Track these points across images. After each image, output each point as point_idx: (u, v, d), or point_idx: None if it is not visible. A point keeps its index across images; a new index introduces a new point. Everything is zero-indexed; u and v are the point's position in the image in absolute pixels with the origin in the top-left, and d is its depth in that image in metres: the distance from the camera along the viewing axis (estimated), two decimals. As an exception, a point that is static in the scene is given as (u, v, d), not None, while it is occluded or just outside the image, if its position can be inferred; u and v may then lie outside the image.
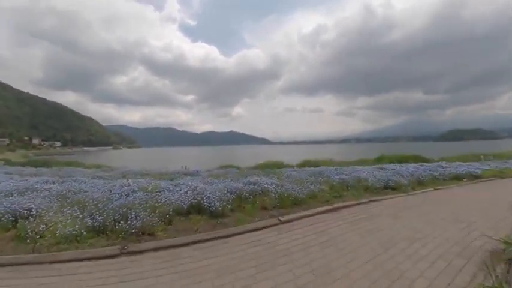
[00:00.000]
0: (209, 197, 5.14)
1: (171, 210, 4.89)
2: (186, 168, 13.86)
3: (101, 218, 4.31)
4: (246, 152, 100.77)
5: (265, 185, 6.09)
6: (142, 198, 5.19)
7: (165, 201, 5.20)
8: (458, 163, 13.07)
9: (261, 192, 5.91)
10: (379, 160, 21.31)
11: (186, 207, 5.10)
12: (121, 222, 4.26)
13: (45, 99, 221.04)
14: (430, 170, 10.27)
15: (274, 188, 6.06)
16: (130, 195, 5.65)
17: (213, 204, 4.96)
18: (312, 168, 11.43)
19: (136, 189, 6.14)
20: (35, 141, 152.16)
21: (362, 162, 21.04)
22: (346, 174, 8.89)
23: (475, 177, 10.07)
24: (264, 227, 4.36)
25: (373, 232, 4.34)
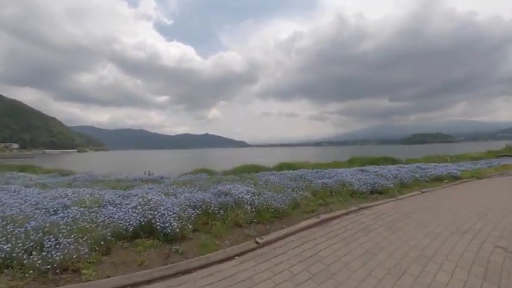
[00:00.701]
0: (164, 214, 3.92)
1: (108, 233, 3.60)
2: (149, 173, 12.27)
3: (7, 246, 2.98)
4: (222, 155, 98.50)
5: (240, 195, 4.97)
6: (71, 217, 3.84)
7: (105, 220, 3.90)
8: (434, 164, 13.02)
9: (234, 204, 4.79)
10: (352, 162, 21.92)
11: (133, 228, 3.84)
12: (34, 252, 2.98)
13: (1, 96, 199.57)
14: (411, 172, 9.89)
15: (250, 197, 4.97)
16: (60, 211, 4.26)
17: (168, 225, 3.75)
18: (292, 171, 10.55)
19: (70, 203, 4.72)
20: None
21: (336, 164, 21.55)
22: (328, 178, 8.09)
23: (455, 178, 9.87)
24: (237, 255, 3.25)
25: (373, 253, 3.43)
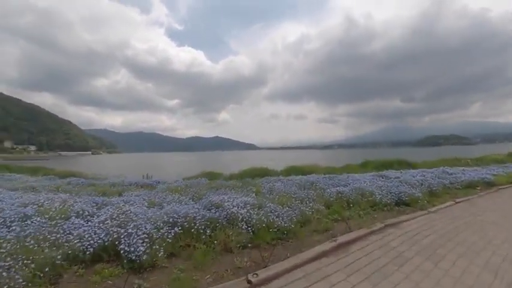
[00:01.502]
0: (131, 233, 3.00)
1: (59, 256, 2.73)
2: (147, 177, 11.49)
3: None
4: (231, 158, 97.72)
5: (234, 209, 3.98)
6: (19, 232, 3.03)
7: (60, 237, 3.05)
8: (462, 168, 11.62)
9: (225, 221, 3.82)
10: (364, 165, 20.68)
11: (94, 249, 2.95)
12: None
13: (19, 100, 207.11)
14: (438, 177, 8.63)
15: (247, 212, 3.97)
16: (15, 223, 3.45)
17: (134, 249, 2.82)
18: (301, 176, 9.50)
19: (32, 212, 3.92)
20: (7, 144, 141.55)
21: (349, 168, 20.51)
22: (344, 185, 7.01)
23: (488, 184, 8.54)
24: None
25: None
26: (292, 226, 3.83)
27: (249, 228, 3.66)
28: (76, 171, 16.18)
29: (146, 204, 5.10)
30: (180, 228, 3.47)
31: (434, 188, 7.22)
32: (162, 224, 3.43)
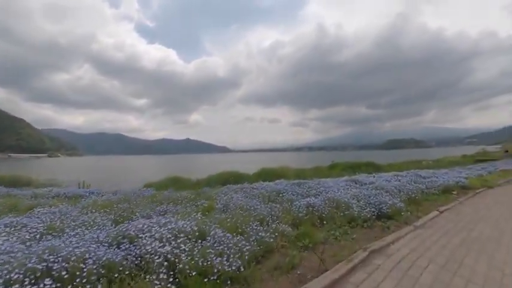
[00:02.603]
0: None
1: None
2: (83, 186, 9.51)
3: None
4: (202, 162, 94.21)
5: (153, 244, 2.58)
6: None
7: None
8: (432, 171, 11.39)
9: (136, 265, 2.41)
10: (333, 167, 21.84)
11: None
12: None
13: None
14: (414, 182, 8.02)
15: (173, 250, 2.58)
16: None
17: None
18: (268, 183, 8.31)
19: None
20: None
21: (319, 170, 20.17)
22: (315, 195, 5.96)
23: (463, 188, 8.14)
24: None
25: None
26: (242, 269, 2.54)
27: (173, 277, 2.30)
28: (24, 176, 13.42)
29: (43, 228, 3.54)
30: (52, 281, 2.00)
31: (413, 195, 6.48)
32: (19, 275, 1.94)
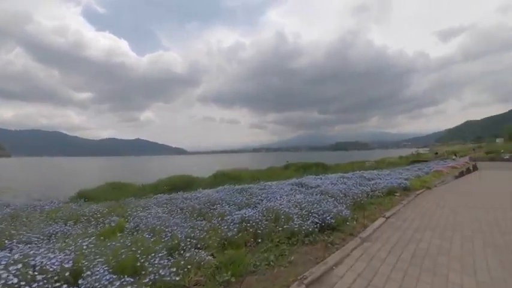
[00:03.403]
0: None
1: None
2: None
3: None
4: (153, 165, 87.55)
5: None
6: None
7: None
8: (376, 172, 11.68)
9: None
10: (287, 168, 23.02)
11: None
12: None
13: None
14: (359, 185, 7.83)
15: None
16: None
17: None
18: (208, 190, 7.29)
19: None
20: None
21: (273, 171, 20.52)
22: (254, 204, 5.15)
23: (405, 189, 8.26)
24: None
25: None
26: None
27: None
28: None
29: None
30: None
31: (359, 199, 6.14)
32: None
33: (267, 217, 4.35)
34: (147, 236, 3.46)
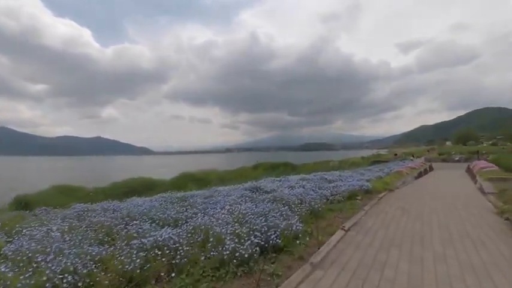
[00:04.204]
0: None
1: None
2: None
3: None
4: (113, 166, 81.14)
5: None
6: None
7: None
8: (338, 173, 11.17)
9: None
10: (257, 167, 23.36)
11: None
12: None
13: None
14: (319, 188, 7.06)
15: None
16: None
17: None
18: (137, 199, 5.95)
19: None
20: None
21: (243, 171, 20.32)
22: (186, 219, 4.01)
23: (367, 192, 7.70)
24: None
25: None
26: None
27: None
28: None
29: None
30: None
31: (316, 206, 5.29)
32: None
33: (193, 239, 3.24)
34: (3, 269, 2.19)
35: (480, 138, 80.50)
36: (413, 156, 33.15)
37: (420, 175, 14.70)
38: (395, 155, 40.35)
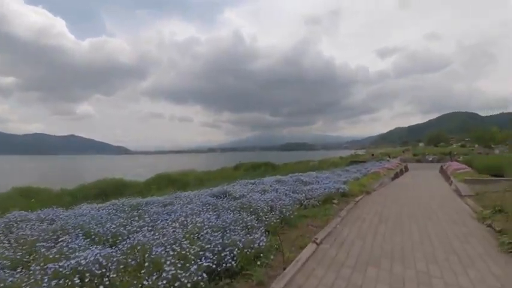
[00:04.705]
0: None
1: None
2: None
3: None
4: (89, 165, 76.84)
5: None
6: None
7: None
8: (315, 174, 10.79)
9: None
10: (238, 168, 23.79)
11: None
12: None
13: None
14: (293, 192, 6.54)
15: None
16: None
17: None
18: (87, 207, 5.09)
19: None
20: None
21: (224, 172, 20.24)
22: (128, 234, 3.29)
23: (344, 195, 7.31)
24: None
25: None
26: None
27: None
28: None
29: None
30: None
31: (287, 213, 4.74)
32: None
33: (127, 263, 2.55)
34: None
35: (450, 140, 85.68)
36: (389, 157, 34.03)
37: (397, 176, 14.77)
38: (372, 155, 41.43)
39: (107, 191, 11.68)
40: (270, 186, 7.22)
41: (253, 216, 4.20)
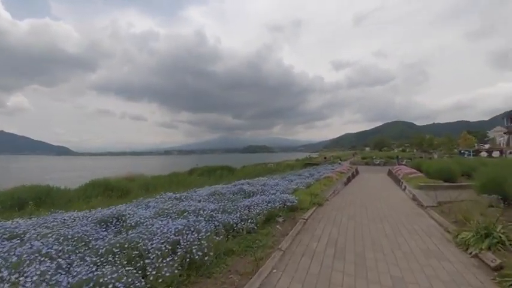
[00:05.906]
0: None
1: None
2: None
3: None
4: (17, 168, 66.27)
5: None
6: None
7: None
8: (264, 180, 9.41)
9: None
10: (192, 172, 22.49)
11: None
12: None
13: None
14: (224, 211, 4.85)
15: None
16: None
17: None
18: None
19: None
20: None
21: (174, 176, 18.85)
22: None
23: (291, 209, 5.90)
24: None
25: None
26: None
27: None
28: None
29: None
30: None
31: (200, 254, 3.04)
32: None
33: None
34: None
35: (392, 145, 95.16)
36: (340, 160, 35.30)
37: (349, 180, 14.32)
38: (325, 158, 42.81)
39: (28, 199, 9.08)
40: (199, 202, 5.45)
41: (139, 265, 2.41)
